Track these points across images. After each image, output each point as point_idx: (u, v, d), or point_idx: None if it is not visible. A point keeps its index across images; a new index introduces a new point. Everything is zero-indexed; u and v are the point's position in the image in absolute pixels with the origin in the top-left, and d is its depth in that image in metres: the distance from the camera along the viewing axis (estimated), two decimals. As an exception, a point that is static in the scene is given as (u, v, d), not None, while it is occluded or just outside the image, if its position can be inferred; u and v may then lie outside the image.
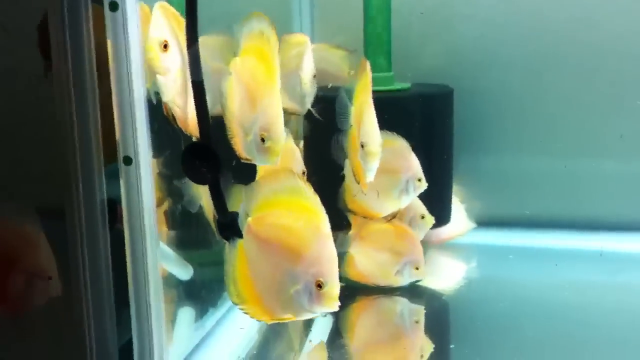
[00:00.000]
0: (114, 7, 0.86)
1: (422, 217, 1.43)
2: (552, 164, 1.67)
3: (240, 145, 1.00)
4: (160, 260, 0.98)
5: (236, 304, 0.98)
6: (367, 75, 1.22)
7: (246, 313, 0.98)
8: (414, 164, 1.33)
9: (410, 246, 1.37)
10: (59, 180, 0.88)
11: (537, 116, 1.66)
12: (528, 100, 1.65)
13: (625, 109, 1.62)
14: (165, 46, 0.99)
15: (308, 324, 1.28)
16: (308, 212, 0.95)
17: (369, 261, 1.37)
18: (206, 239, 1.25)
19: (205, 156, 0.97)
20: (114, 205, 0.93)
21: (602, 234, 1.62)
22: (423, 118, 1.45)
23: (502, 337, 1.24)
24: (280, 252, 0.95)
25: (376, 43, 1.46)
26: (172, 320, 1.14)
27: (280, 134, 0.99)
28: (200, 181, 1.01)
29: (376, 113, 1.21)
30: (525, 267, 1.54)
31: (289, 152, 1.15)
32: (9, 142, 0.91)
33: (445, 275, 1.54)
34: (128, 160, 0.90)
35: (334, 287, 0.92)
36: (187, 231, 1.25)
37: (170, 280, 1.13)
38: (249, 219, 0.97)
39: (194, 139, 1.02)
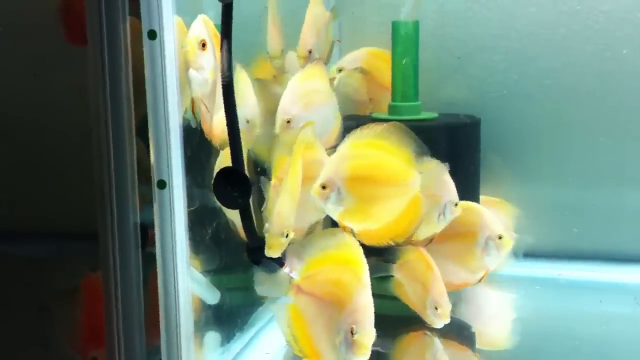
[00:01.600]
0: (152, 35, 0.89)
1: (500, 238, 1.30)
2: (580, 195, 1.66)
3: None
4: (190, 284, 0.99)
5: (301, 358, 1.03)
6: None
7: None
8: (452, 188, 1.27)
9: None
10: (93, 203, 0.90)
11: (562, 146, 1.66)
12: (553, 130, 1.65)
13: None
14: (204, 45, 1.01)
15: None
16: (352, 263, 1.00)
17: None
18: (234, 263, 1.26)
19: (237, 181, 0.99)
20: (145, 228, 0.94)
21: (611, 264, 1.61)
22: (449, 148, 1.45)
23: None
24: (331, 306, 0.99)
25: (404, 73, 1.47)
26: (200, 344, 1.14)
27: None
28: (231, 205, 1.02)
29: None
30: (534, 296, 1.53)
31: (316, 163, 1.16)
32: (46, 164, 0.94)
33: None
34: (162, 184, 0.92)
35: (365, 336, 0.93)
36: (216, 255, 1.26)
37: (198, 304, 1.14)
38: (297, 280, 1.01)
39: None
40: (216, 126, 1.06)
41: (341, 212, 1.09)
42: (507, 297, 1.55)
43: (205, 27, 1.02)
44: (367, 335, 0.93)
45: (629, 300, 1.49)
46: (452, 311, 1.23)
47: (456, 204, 1.28)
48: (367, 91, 1.62)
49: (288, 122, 1.18)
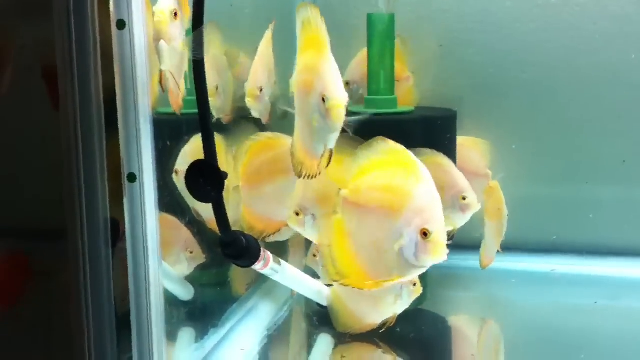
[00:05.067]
0: (121, 25, 0.87)
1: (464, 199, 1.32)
2: (554, 190, 1.67)
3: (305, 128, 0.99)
4: (162, 279, 0.97)
5: (336, 281, 0.96)
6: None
7: (348, 286, 0.95)
8: (457, 180, 1.25)
9: None
10: (61, 198, 0.88)
11: (540, 141, 1.66)
12: (529, 124, 1.66)
13: (628, 134, 1.62)
14: (175, 15, 0.99)
15: (309, 344, 1.27)
16: (404, 165, 0.93)
17: None
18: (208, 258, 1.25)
19: (209, 174, 0.97)
20: (116, 223, 0.92)
21: (602, 258, 1.61)
22: (426, 141, 1.45)
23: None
24: (381, 212, 0.92)
25: (379, 66, 1.46)
26: (173, 340, 1.13)
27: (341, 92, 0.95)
28: (204, 199, 1.01)
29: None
30: (527, 291, 1.54)
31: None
32: (11, 160, 0.91)
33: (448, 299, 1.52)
34: (132, 178, 0.90)
35: (440, 234, 0.88)
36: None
37: (171, 300, 1.13)
38: (343, 191, 0.96)
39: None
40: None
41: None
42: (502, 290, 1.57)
43: None
44: (442, 233, 0.88)
45: (621, 293, 1.51)
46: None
47: (464, 198, 1.25)
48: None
49: (260, 90, 1.16)
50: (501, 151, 1.62)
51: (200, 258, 1.23)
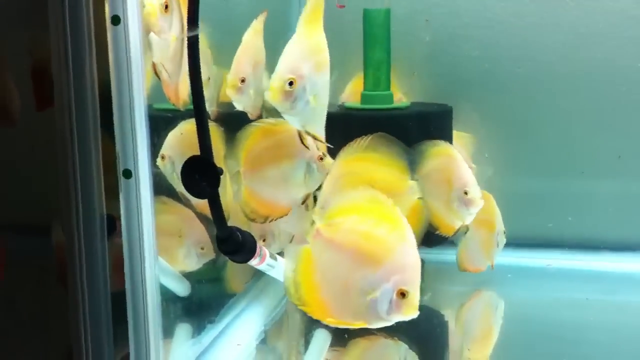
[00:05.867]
0: (116, 21, 0.87)
1: (504, 233, 1.43)
2: (549, 184, 1.67)
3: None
4: (159, 275, 0.97)
5: (296, 305, 0.97)
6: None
7: (308, 313, 0.96)
8: (461, 174, 1.26)
9: None
10: (57, 193, 0.88)
11: (535, 135, 1.66)
12: (525, 119, 1.66)
13: (623, 129, 1.63)
14: (167, 7, 0.97)
15: (306, 340, 1.27)
16: (389, 220, 0.93)
17: None
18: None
19: (205, 170, 0.97)
20: (112, 219, 0.92)
21: (598, 253, 1.62)
22: (421, 136, 1.45)
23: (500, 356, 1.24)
24: (357, 257, 0.92)
25: (376, 61, 1.46)
26: (169, 336, 1.13)
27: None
28: (200, 195, 1.00)
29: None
30: (523, 285, 1.54)
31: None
32: (7, 154, 0.91)
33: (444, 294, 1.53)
34: (128, 174, 0.90)
35: (416, 296, 0.89)
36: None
37: (167, 296, 1.13)
38: (318, 224, 0.96)
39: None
40: (182, 91, 1.03)
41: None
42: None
43: None
44: (417, 296, 0.89)
45: (617, 287, 1.51)
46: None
47: (466, 192, 1.24)
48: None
49: (242, 81, 1.14)
50: (496, 145, 1.63)
51: (211, 255, 1.22)
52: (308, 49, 1.08)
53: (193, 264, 1.21)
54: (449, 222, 1.29)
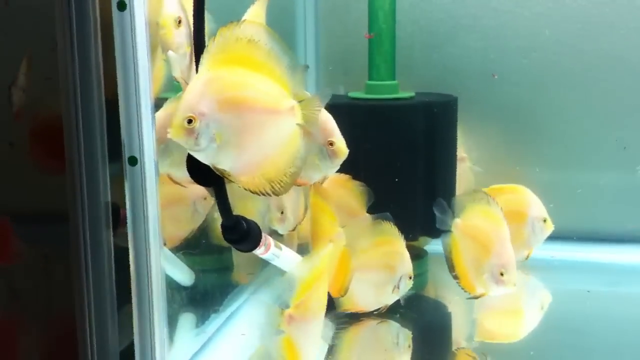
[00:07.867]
0: (122, 6, 0.86)
1: (544, 221, 1.44)
2: (553, 175, 1.66)
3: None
4: (163, 264, 0.97)
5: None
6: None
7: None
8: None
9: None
10: (62, 182, 0.87)
11: (541, 126, 1.66)
12: (531, 110, 1.65)
13: (629, 119, 1.62)
14: (179, 22, 1.00)
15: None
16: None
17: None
18: (209, 244, 1.24)
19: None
20: (117, 207, 0.92)
21: (602, 245, 1.62)
22: (426, 126, 1.44)
23: (501, 347, 1.24)
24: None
25: (380, 52, 1.46)
26: (174, 325, 1.13)
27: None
28: (205, 183, 1.00)
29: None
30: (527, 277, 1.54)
31: None
32: (12, 142, 0.91)
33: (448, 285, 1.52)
34: (133, 161, 0.89)
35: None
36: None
37: (172, 285, 1.12)
38: (289, 310, 0.97)
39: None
40: None
41: (216, 152, 0.91)
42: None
43: None
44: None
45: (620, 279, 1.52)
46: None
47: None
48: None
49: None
50: (501, 136, 1.63)
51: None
52: (212, 86, 0.91)
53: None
54: (473, 283, 1.25)
